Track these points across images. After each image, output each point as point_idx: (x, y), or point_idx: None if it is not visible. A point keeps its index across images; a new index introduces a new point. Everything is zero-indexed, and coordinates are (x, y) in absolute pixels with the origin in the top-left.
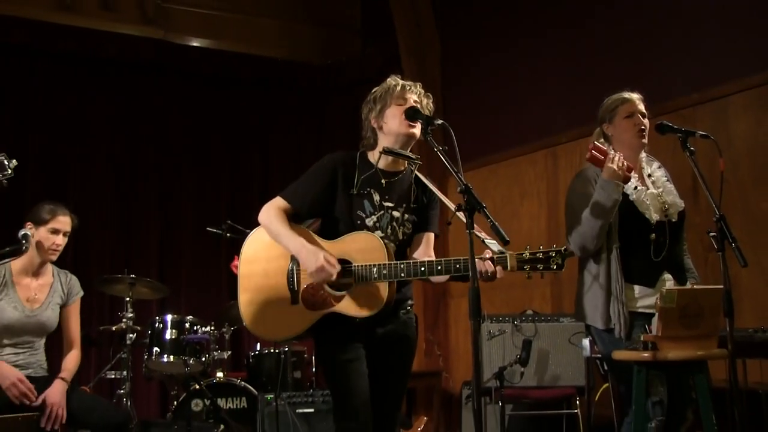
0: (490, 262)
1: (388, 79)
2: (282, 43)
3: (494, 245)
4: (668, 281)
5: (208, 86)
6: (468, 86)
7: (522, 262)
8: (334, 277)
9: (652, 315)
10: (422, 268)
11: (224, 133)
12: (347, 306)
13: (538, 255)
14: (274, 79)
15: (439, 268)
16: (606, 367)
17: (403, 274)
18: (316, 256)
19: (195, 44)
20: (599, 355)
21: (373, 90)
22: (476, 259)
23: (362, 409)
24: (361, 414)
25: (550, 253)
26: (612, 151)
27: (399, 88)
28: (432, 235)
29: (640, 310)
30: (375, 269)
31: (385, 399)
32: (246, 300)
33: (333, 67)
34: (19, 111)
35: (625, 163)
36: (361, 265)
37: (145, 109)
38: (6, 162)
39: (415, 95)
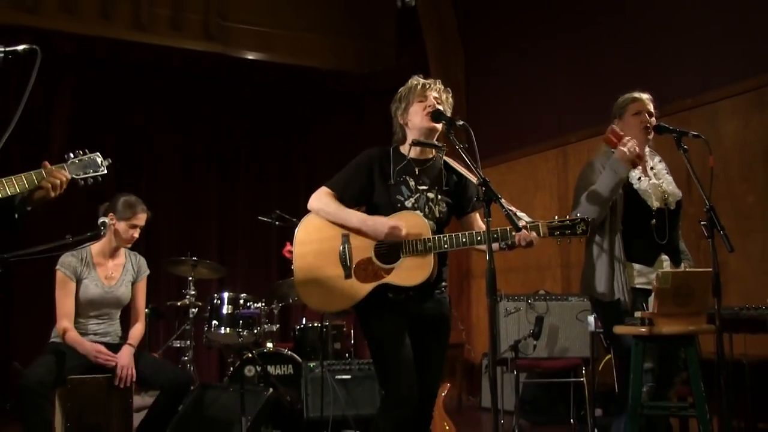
0: (526, 231)
1: (411, 80)
2: (325, 55)
3: (525, 216)
4: (665, 261)
5: (260, 93)
6: (488, 91)
7: (552, 228)
8: (404, 231)
9: (650, 291)
10: (463, 239)
11: (274, 134)
12: (396, 277)
13: (565, 222)
14: (319, 87)
15: (479, 238)
16: (607, 340)
17: (446, 245)
18: (381, 222)
19: (250, 57)
20: (602, 330)
21: (399, 90)
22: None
23: (408, 376)
24: (407, 380)
25: (576, 220)
26: (627, 138)
27: (420, 86)
28: (477, 213)
29: (638, 286)
30: (421, 243)
31: (427, 368)
32: (302, 278)
33: (370, 75)
34: (99, 115)
35: (637, 150)
36: (408, 241)
37: (206, 113)
38: (100, 160)
39: (435, 92)
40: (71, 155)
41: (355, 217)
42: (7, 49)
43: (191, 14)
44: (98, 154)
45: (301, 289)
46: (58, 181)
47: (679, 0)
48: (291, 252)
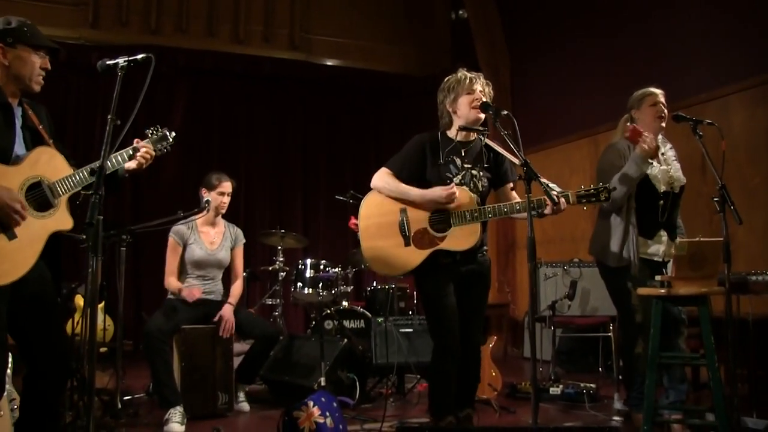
0: (556, 198)
1: (458, 73)
2: (392, 61)
3: (557, 187)
4: (663, 236)
5: (337, 93)
6: (529, 89)
7: (580, 196)
8: (456, 192)
9: (650, 261)
10: (505, 209)
11: (348, 127)
12: (449, 243)
13: (590, 191)
14: (386, 87)
15: (518, 207)
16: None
17: (490, 215)
18: (438, 192)
19: (329, 63)
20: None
21: (447, 79)
22: (547, 197)
23: (453, 329)
24: (452, 332)
25: (600, 189)
26: (646, 134)
27: (468, 81)
28: (510, 185)
29: (644, 256)
30: (468, 213)
31: (471, 319)
32: (368, 247)
33: (429, 78)
34: (205, 115)
35: (654, 145)
36: (458, 212)
37: (292, 111)
38: (168, 134)
39: (480, 85)
40: (150, 131)
41: (413, 191)
42: (130, 58)
43: (279, 29)
44: (167, 128)
45: (367, 257)
46: (149, 156)
47: (696, 9)
48: (356, 225)
